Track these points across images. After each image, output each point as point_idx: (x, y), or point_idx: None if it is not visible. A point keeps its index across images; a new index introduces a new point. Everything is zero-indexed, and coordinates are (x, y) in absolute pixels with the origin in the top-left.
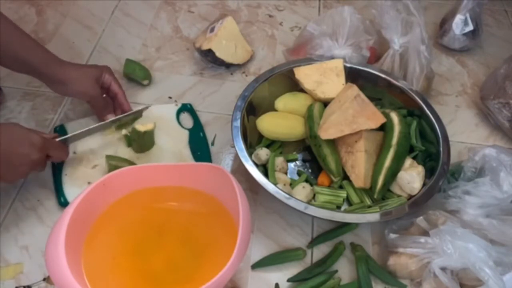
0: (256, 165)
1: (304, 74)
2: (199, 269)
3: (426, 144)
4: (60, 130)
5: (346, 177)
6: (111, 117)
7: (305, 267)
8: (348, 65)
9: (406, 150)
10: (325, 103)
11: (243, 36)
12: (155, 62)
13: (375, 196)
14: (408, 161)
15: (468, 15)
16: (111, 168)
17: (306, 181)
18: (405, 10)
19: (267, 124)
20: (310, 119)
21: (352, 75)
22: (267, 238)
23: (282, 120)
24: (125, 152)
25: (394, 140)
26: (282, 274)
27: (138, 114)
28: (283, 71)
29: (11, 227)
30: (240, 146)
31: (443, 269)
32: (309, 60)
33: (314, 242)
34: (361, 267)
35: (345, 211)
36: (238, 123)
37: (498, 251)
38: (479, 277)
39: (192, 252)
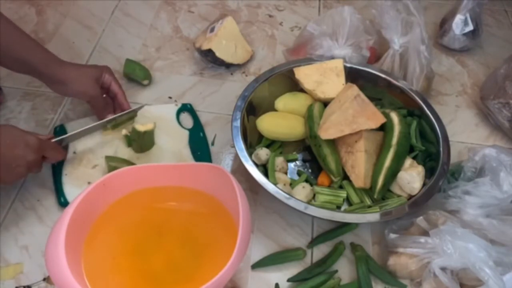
0: (256, 165)
1: (304, 74)
2: (199, 269)
3: (426, 144)
4: (60, 130)
5: (346, 177)
6: (111, 117)
7: (305, 267)
8: (348, 65)
9: (406, 150)
10: (325, 103)
11: (243, 36)
12: (155, 62)
13: (375, 196)
14: (408, 161)
15: (468, 15)
16: (111, 169)
17: (306, 181)
18: (405, 10)
19: (267, 124)
20: (310, 119)
21: (352, 75)
22: (267, 238)
23: (282, 120)
24: (125, 152)
25: (394, 140)
26: (282, 274)
27: (133, 114)
28: (283, 71)
29: (11, 227)
30: (240, 146)
31: (443, 269)
32: (309, 60)
33: (314, 242)
34: (361, 267)
35: (345, 211)
36: (238, 123)
37: (498, 251)
38: (479, 277)
39: (192, 252)
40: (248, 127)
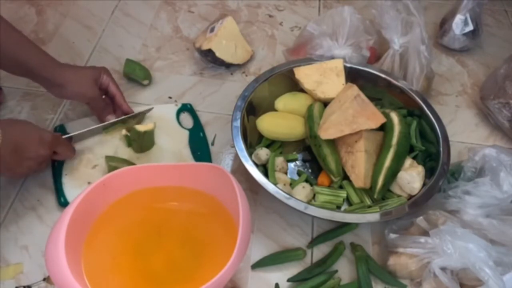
0: (256, 165)
1: (304, 74)
2: (199, 269)
3: (426, 144)
4: (60, 130)
5: (346, 177)
6: (111, 118)
7: (305, 267)
8: (348, 65)
9: (406, 150)
10: (325, 103)
11: (243, 36)
12: (155, 62)
13: (375, 196)
14: (408, 161)
15: (468, 15)
16: (111, 169)
17: (306, 181)
18: (405, 10)
19: (267, 124)
20: (310, 119)
21: (352, 75)
22: (267, 238)
23: (282, 120)
24: (125, 152)
25: (394, 140)
26: (282, 274)
27: (141, 117)
28: (283, 71)
29: (11, 227)
30: (240, 146)
31: (443, 269)
32: (309, 60)
33: (314, 242)
34: (361, 267)
35: (345, 211)
36: (238, 123)
37: (498, 251)
38: (479, 277)
39: (192, 252)
40: (248, 127)
